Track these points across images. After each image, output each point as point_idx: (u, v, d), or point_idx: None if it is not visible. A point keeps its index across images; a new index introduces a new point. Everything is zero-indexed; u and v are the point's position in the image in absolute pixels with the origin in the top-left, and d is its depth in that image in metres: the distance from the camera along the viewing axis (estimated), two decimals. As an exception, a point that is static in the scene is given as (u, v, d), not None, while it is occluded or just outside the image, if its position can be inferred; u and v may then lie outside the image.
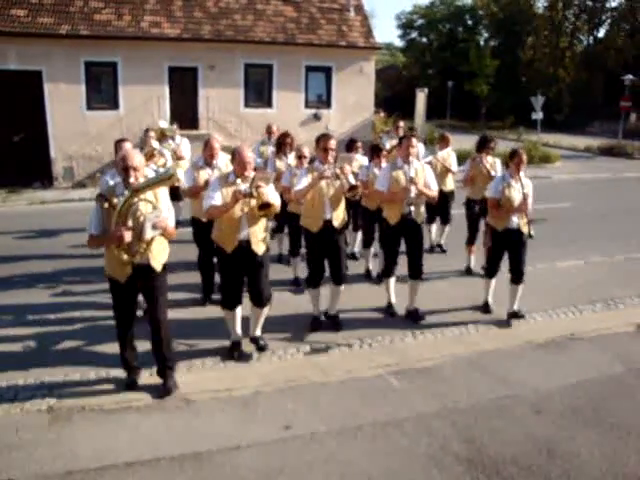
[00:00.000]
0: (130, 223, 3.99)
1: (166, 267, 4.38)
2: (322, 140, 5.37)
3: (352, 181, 5.26)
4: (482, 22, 47.84)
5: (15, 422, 3.94)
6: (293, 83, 17.25)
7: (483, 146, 7.22)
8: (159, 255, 4.25)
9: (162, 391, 4.32)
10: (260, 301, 4.97)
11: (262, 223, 4.86)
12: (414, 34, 53.05)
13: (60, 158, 15.02)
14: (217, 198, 4.66)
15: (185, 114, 16.16)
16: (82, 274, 7.17)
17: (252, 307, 5.05)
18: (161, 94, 15.77)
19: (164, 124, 6.75)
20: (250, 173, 4.66)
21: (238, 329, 5.07)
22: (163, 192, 4.26)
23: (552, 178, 16.24)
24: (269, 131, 9.21)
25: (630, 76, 24.48)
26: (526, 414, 4.09)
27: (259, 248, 4.83)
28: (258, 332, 5.20)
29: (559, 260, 7.86)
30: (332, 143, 5.33)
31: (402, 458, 3.57)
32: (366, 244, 7.26)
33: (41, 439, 3.72)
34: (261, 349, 5.12)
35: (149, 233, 3.99)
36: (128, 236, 3.92)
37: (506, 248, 5.80)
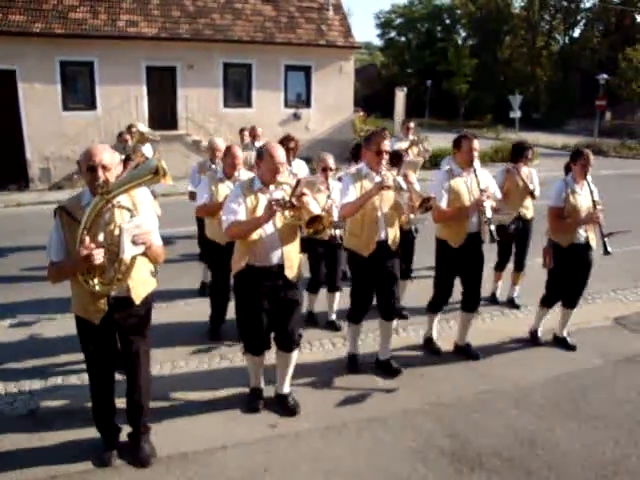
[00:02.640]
0: (101, 238, 3.05)
1: (151, 302, 3.43)
2: (374, 139, 4.24)
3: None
4: (460, 21, 48.41)
5: (-4, 427, 3.89)
6: (272, 82, 17.25)
7: (519, 155, 6.04)
8: (142, 283, 3.28)
9: (137, 461, 3.44)
10: (290, 343, 3.96)
11: (297, 242, 3.89)
12: (393, 33, 53.44)
13: (36, 159, 14.82)
14: (241, 211, 3.63)
15: (164, 114, 16.08)
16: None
17: (277, 353, 4.07)
18: (139, 94, 15.65)
19: (144, 127, 5.99)
20: (281, 178, 3.76)
21: (261, 378, 4.19)
22: (145, 198, 3.30)
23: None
24: (253, 134, 8.02)
25: (604, 75, 24.95)
26: (508, 408, 4.15)
27: (293, 273, 3.85)
28: (286, 388, 4.13)
29: (539, 256, 7.96)
30: (387, 144, 4.26)
31: (387, 453, 3.60)
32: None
33: (23, 445, 3.67)
34: (291, 412, 4.00)
35: (128, 251, 2.98)
36: (99, 255, 2.92)
37: (572, 267, 4.94)
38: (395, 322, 4.63)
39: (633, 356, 4.97)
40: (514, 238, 5.99)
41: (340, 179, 4.98)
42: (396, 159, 5.24)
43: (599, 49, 37.71)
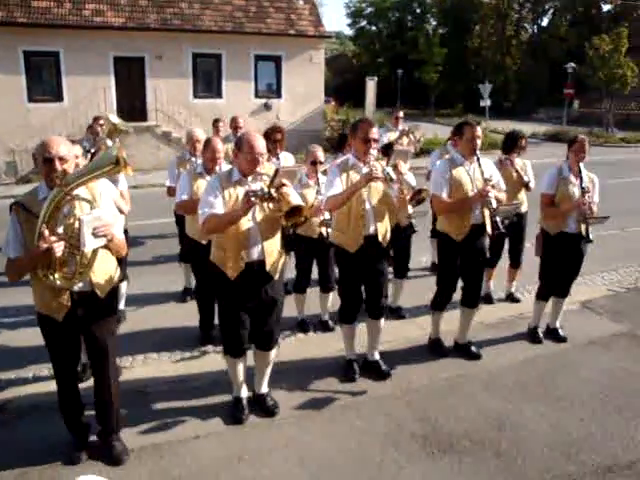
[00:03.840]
0: (60, 231, 2.94)
1: (115, 295, 3.41)
2: (361, 127, 4.01)
3: (413, 183, 4.13)
4: (430, 10, 48.58)
5: (-36, 424, 3.83)
6: (242, 73, 17.15)
7: (513, 145, 5.75)
8: (105, 277, 3.20)
9: (109, 460, 3.38)
10: (269, 342, 3.83)
11: (278, 236, 3.69)
12: (363, 22, 53.42)
13: (1, 153, 14.49)
14: (218, 204, 3.43)
15: (133, 105, 15.87)
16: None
17: (255, 352, 3.93)
18: (107, 85, 15.41)
19: (115, 119, 5.50)
20: (261, 168, 3.53)
21: (243, 383, 3.97)
22: (105, 189, 3.24)
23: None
24: (235, 125, 7.29)
25: (572, 64, 25.37)
26: (477, 391, 4.24)
27: (275, 271, 3.67)
28: (264, 388, 4.03)
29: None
30: (375, 132, 4.03)
31: (360, 438, 3.65)
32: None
33: (-7, 440, 3.63)
34: (270, 413, 3.89)
35: (89, 243, 2.89)
36: (59, 248, 2.84)
37: (561, 256, 4.83)
38: (383, 321, 4.41)
39: (598, 338, 5.11)
40: (507, 233, 5.36)
41: (325, 172, 4.75)
42: (386, 149, 5.04)
43: (567, 38, 38.29)
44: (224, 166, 4.72)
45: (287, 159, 5.83)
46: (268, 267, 3.59)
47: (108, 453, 3.41)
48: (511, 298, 6.11)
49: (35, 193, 3.07)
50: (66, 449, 3.45)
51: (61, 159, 2.94)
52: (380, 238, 4.12)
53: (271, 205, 3.43)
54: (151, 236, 8.50)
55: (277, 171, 3.33)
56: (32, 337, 5.14)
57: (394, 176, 3.83)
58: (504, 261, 6.08)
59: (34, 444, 3.58)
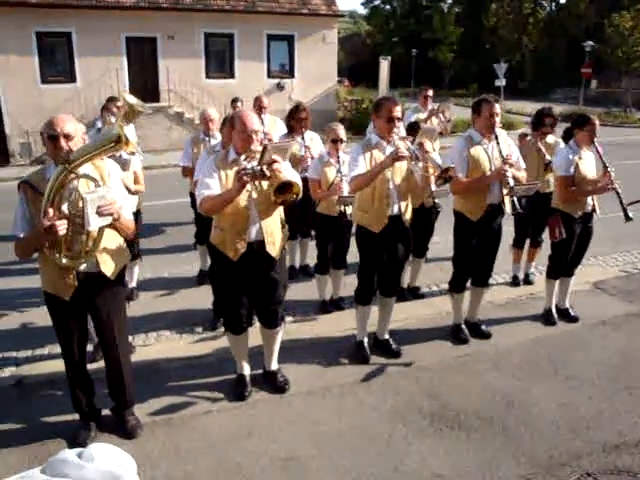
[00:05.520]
0: (65, 209, 2.92)
1: (123, 277, 3.41)
2: (384, 106, 3.92)
3: (439, 162, 4.04)
4: (445, -12, 47.67)
5: (-18, 398, 3.94)
6: (255, 52, 17.05)
7: (538, 123, 5.56)
8: (112, 257, 3.19)
9: (123, 433, 3.45)
10: (274, 320, 3.83)
11: (278, 214, 3.65)
12: (377, 1, 52.63)
13: (16, 134, 14.62)
14: (214, 185, 3.42)
15: (145, 86, 15.86)
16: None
17: (262, 330, 3.96)
18: (119, 65, 15.41)
19: (132, 98, 5.25)
20: (257, 147, 3.39)
21: (245, 360, 4.00)
22: (112, 169, 3.22)
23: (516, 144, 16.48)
24: (259, 105, 6.53)
25: (591, 42, 24.84)
26: (487, 370, 4.26)
27: (275, 250, 3.61)
28: (274, 365, 4.05)
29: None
30: (398, 110, 3.92)
31: (369, 415, 3.69)
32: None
33: (10, 414, 3.72)
34: (280, 390, 3.93)
35: (94, 222, 2.84)
36: (62, 227, 2.81)
37: (578, 236, 4.80)
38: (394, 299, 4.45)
39: (609, 319, 5.09)
40: (527, 213, 5.13)
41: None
42: (411, 128, 4.97)
43: (586, 15, 37.45)
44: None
45: (313, 139, 5.71)
46: (267, 247, 3.55)
47: (122, 427, 3.49)
48: (527, 280, 6.03)
49: (43, 172, 3.08)
50: (74, 432, 3.48)
51: (66, 136, 2.92)
52: (404, 217, 4.12)
53: (264, 183, 3.39)
54: (164, 217, 8.55)
55: (265, 147, 3.25)
56: (48, 316, 5.25)
57: (419, 155, 3.78)
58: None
59: (50, 417, 3.67)
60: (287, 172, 3.31)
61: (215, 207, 3.42)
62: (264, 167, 3.16)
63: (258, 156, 3.28)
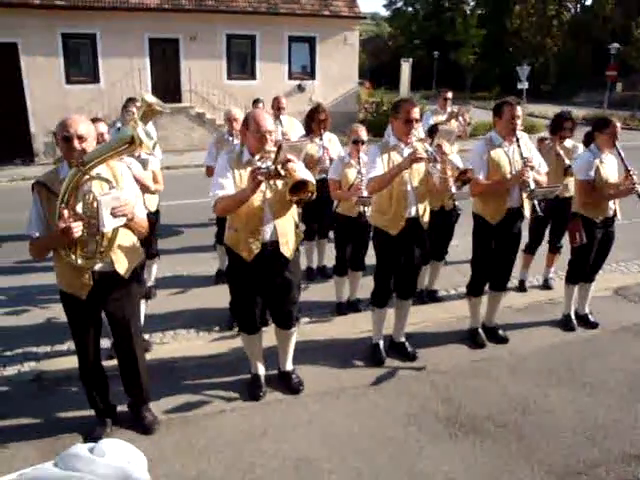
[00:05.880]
0: (80, 210, 2.94)
1: (138, 274, 3.41)
2: (402, 107, 3.91)
3: (459, 164, 4.04)
4: (469, -10, 47.33)
5: (3, 392, 4.02)
6: (276, 54, 17.11)
7: (557, 127, 5.50)
8: (126, 256, 3.21)
9: (140, 429, 3.50)
10: (289, 321, 3.84)
11: (292, 215, 3.62)
12: (400, 3, 52.50)
13: (40, 133, 14.84)
14: (228, 185, 3.40)
15: (167, 86, 16.02)
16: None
17: (276, 331, 3.97)
18: (142, 66, 15.58)
19: (151, 97, 5.28)
20: (271, 147, 3.36)
21: (260, 360, 4.03)
22: (126, 170, 3.26)
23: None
24: (277, 105, 6.65)
25: (616, 45, 24.45)
26: (503, 375, 4.21)
27: (289, 250, 3.61)
28: (289, 366, 4.07)
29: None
30: (416, 112, 3.92)
31: (383, 417, 3.68)
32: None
33: (29, 408, 3.79)
34: (295, 390, 3.95)
35: (108, 223, 2.87)
36: (78, 229, 2.84)
37: (599, 241, 4.73)
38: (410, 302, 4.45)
39: (630, 326, 5.00)
40: (547, 216, 5.22)
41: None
42: (430, 132, 4.96)
43: (612, 17, 36.86)
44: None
45: (332, 140, 5.69)
46: (282, 248, 3.54)
47: (139, 423, 3.54)
48: (546, 285, 5.94)
49: (57, 172, 3.10)
50: (90, 428, 3.52)
51: (80, 138, 2.92)
52: (421, 220, 4.10)
53: (279, 183, 3.38)
54: (185, 216, 8.62)
55: (280, 146, 3.20)
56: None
57: (438, 157, 3.76)
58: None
59: (67, 412, 3.73)
60: (302, 171, 3.28)
61: (229, 207, 3.42)
62: (279, 166, 3.14)
63: (272, 156, 3.25)
